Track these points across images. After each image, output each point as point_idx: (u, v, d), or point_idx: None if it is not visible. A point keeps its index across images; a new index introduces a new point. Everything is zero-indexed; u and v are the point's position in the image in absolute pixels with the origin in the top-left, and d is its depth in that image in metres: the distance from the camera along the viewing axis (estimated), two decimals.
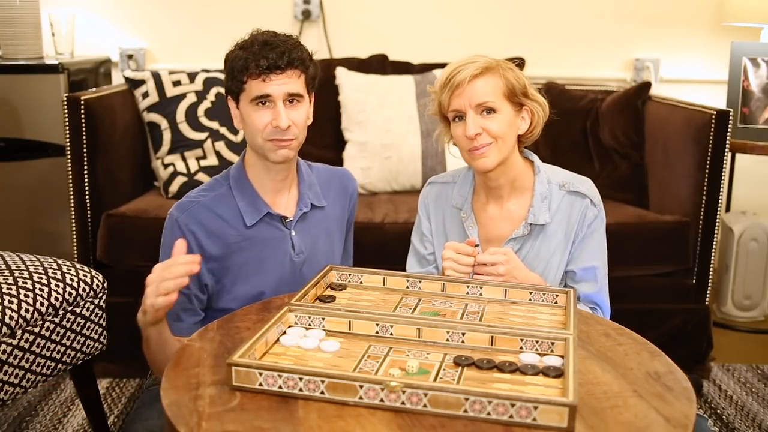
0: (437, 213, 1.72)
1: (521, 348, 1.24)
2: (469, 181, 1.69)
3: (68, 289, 1.74)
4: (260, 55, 1.47)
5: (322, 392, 1.06)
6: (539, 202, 1.61)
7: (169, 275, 1.28)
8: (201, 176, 2.59)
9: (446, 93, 1.56)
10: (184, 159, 2.63)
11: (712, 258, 2.52)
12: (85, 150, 2.40)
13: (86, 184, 2.42)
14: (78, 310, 1.76)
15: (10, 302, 1.61)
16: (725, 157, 2.46)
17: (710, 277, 2.54)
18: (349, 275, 1.53)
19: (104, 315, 1.86)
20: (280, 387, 1.08)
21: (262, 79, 1.48)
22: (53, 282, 1.72)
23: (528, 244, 1.63)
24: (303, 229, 1.63)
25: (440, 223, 1.71)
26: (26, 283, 1.68)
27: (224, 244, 1.56)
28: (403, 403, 1.04)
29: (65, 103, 2.37)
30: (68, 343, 1.75)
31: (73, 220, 2.44)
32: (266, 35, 1.51)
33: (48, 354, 1.70)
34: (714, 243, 2.51)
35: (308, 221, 1.64)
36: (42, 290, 1.68)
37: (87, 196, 2.43)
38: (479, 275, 1.52)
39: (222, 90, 2.42)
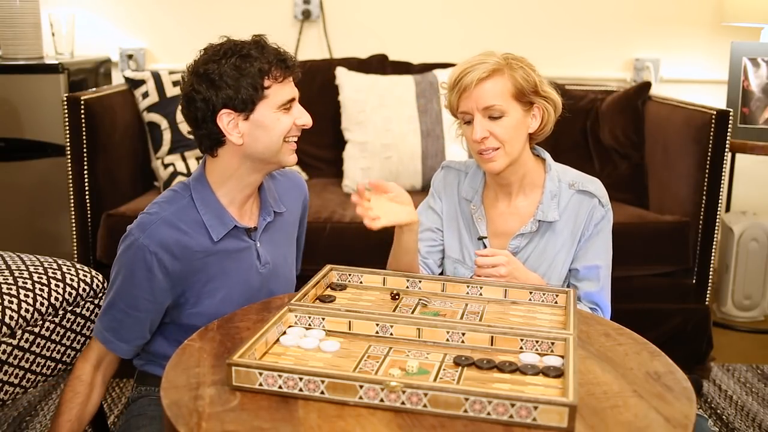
0: (449, 198, 1.72)
1: (521, 348, 1.24)
2: (480, 175, 1.70)
3: (68, 289, 1.74)
4: (275, 59, 1.41)
5: (322, 392, 1.06)
6: (549, 199, 1.62)
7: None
8: None
9: (455, 95, 1.56)
10: (184, 159, 2.63)
11: (712, 258, 2.52)
12: (85, 150, 2.40)
13: (86, 184, 2.42)
14: (78, 310, 1.76)
15: (10, 302, 1.61)
16: (725, 157, 2.46)
17: (710, 277, 2.54)
18: (349, 275, 1.53)
19: None
20: (280, 387, 1.08)
21: (285, 83, 1.43)
22: (53, 282, 1.72)
23: (535, 240, 1.63)
24: (267, 239, 1.55)
25: (452, 209, 1.72)
26: (26, 283, 1.68)
27: (188, 260, 1.44)
28: (403, 403, 1.04)
29: (65, 103, 2.37)
30: (68, 343, 1.75)
31: (73, 220, 2.44)
32: (250, 43, 1.43)
33: (48, 354, 1.70)
34: (714, 243, 2.51)
35: (271, 229, 1.56)
36: (42, 290, 1.68)
37: (87, 196, 2.43)
38: (480, 276, 1.53)
39: None
